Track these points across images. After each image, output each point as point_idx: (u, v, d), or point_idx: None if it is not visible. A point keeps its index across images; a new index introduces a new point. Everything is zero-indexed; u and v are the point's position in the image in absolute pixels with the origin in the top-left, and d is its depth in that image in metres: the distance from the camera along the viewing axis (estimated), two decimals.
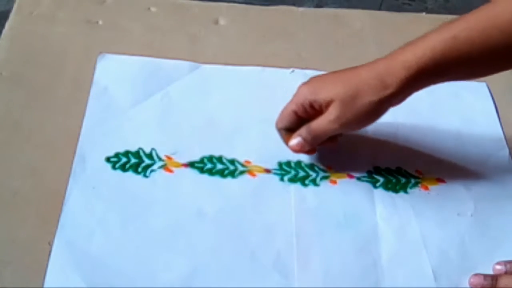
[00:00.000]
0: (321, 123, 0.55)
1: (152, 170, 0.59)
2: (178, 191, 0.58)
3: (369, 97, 0.52)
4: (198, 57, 0.69)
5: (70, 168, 0.58)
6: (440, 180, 0.61)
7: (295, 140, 0.57)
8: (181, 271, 0.52)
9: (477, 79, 0.70)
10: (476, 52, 0.50)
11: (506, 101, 0.69)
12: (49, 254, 0.52)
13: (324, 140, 0.58)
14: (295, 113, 0.56)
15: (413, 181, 0.61)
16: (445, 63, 0.51)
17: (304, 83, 0.57)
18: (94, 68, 0.66)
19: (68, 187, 0.56)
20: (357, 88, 0.53)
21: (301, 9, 0.77)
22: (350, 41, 0.73)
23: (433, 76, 0.52)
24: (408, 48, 0.52)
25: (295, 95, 0.57)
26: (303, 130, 0.56)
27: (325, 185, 0.60)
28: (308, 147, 0.57)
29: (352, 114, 0.53)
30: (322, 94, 0.54)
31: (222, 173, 0.59)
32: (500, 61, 0.53)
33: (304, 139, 0.56)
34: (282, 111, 0.58)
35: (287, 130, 0.58)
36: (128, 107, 0.63)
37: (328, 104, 0.54)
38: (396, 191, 0.60)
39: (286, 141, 0.58)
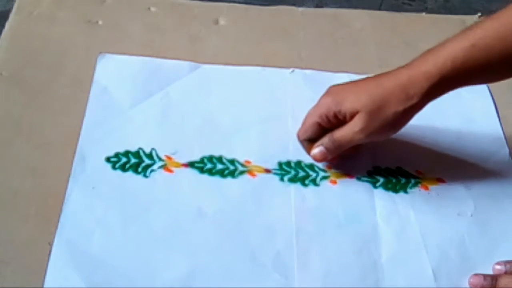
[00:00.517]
0: (346, 133, 0.55)
1: (152, 170, 0.59)
2: (178, 191, 0.58)
3: (394, 108, 0.53)
4: (198, 57, 0.69)
5: (70, 168, 0.58)
6: (440, 180, 0.61)
7: (317, 149, 0.57)
8: (181, 271, 0.52)
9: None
10: (495, 59, 0.51)
11: (506, 101, 0.69)
12: (49, 254, 0.52)
13: (349, 149, 0.58)
14: (319, 124, 0.57)
15: (413, 181, 0.61)
16: (465, 71, 0.52)
17: (326, 94, 0.57)
18: (94, 68, 0.66)
19: (68, 187, 0.56)
20: (382, 99, 0.54)
21: (301, 9, 0.77)
22: (350, 41, 0.73)
23: (454, 83, 0.53)
24: (429, 57, 0.53)
25: (317, 106, 0.57)
26: (325, 139, 0.57)
27: (325, 185, 0.60)
28: (330, 156, 0.58)
29: (378, 125, 0.54)
30: (347, 105, 0.55)
31: (222, 173, 0.59)
32: None
33: (327, 148, 0.57)
34: (304, 122, 0.58)
35: (309, 141, 0.58)
36: (128, 107, 0.63)
37: (353, 114, 0.54)
38: (396, 191, 0.60)
39: (309, 151, 0.59)
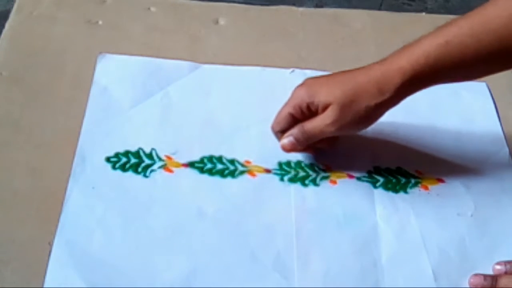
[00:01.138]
0: (317, 125, 0.55)
1: (152, 170, 0.59)
2: (178, 191, 0.58)
3: (366, 102, 0.53)
4: (198, 57, 0.69)
5: (70, 168, 0.58)
6: (440, 180, 0.61)
7: (286, 139, 0.57)
8: (181, 271, 0.52)
9: (477, 79, 0.70)
10: (469, 56, 0.51)
11: (506, 101, 0.69)
12: (49, 254, 0.52)
13: (323, 143, 0.58)
14: (292, 115, 0.57)
15: (413, 181, 0.61)
16: (439, 68, 0.52)
17: (300, 86, 0.57)
18: (94, 68, 0.66)
19: (68, 187, 0.56)
20: (355, 93, 0.53)
21: (301, 9, 0.77)
22: (350, 41, 0.73)
23: (428, 80, 0.53)
24: (403, 53, 0.53)
25: (291, 98, 0.57)
26: (295, 130, 0.56)
27: (325, 185, 0.60)
28: (300, 147, 0.57)
29: (349, 118, 0.54)
30: (320, 97, 0.55)
31: (222, 173, 0.59)
32: (493, 64, 0.53)
33: (296, 139, 0.56)
34: (278, 114, 0.58)
35: (283, 132, 0.58)
36: (128, 107, 0.63)
37: (325, 106, 0.54)
38: (396, 191, 0.60)
39: None
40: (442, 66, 0.52)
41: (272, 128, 0.59)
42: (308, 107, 0.55)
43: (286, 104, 0.57)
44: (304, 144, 0.57)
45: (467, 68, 0.53)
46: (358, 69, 0.55)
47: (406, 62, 0.52)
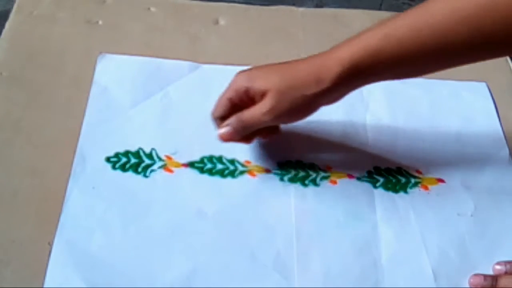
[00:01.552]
0: (253, 113, 0.54)
1: (152, 170, 0.59)
2: (178, 191, 0.58)
3: (303, 91, 0.52)
4: (198, 57, 0.69)
5: (70, 168, 0.58)
6: (440, 180, 0.61)
7: (224, 129, 0.55)
8: (181, 271, 0.52)
9: (476, 79, 0.70)
10: (406, 51, 0.49)
11: (506, 101, 0.69)
12: (49, 254, 0.52)
13: (262, 133, 0.57)
14: (230, 100, 0.55)
15: (413, 181, 0.61)
16: (378, 61, 0.50)
17: (242, 71, 0.56)
18: (94, 68, 0.66)
19: (68, 187, 0.56)
20: (293, 82, 0.52)
21: (301, 9, 0.77)
22: None
23: (367, 74, 0.51)
24: (345, 44, 0.51)
25: (231, 83, 0.56)
26: (233, 119, 0.55)
27: (325, 185, 0.60)
28: (237, 137, 0.56)
29: (285, 107, 0.52)
30: (257, 83, 0.53)
31: (222, 173, 0.59)
32: (431, 62, 0.51)
33: (234, 128, 0.55)
34: (218, 100, 0.57)
35: (222, 119, 0.56)
36: (128, 107, 0.63)
37: (263, 93, 0.53)
38: (396, 191, 0.60)
39: None
40: (381, 59, 0.50)
41: (212, 114, 0.57)
42: (246, 92, 0.54)
43: (226, 89, 0.56)
44: (242, 134, 0.56)
45: (405, 64, 0.50)
46: (301, 59, 0.54)
47: (346, 53, 0.50)
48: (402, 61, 0.50)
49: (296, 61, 0.54)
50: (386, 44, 0.49)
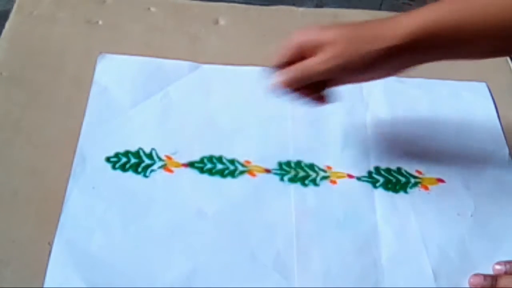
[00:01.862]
0: (316, 61, 0.53)
1: (152, 170, 0.59)
2: (178, 191, 0.58)
3: (369, 46, 0.52)
4: (198, 57, 0.69)
5: (70, 168, 0.58)
6: (440, 180, 0.61)
7: (284, 75, 0.55)
8: (181, 271, 0.52)
9: (476, 79, 0.70)
10: (472, 26, 0.51)
11: (506, 101, 0.69)
12: (49, 254, 0.52)
13: (312, 93, 0.56)
14: (299, 46, 0.54)
15: (413, 181, 0.61)
16: (447, 28, 0.51)
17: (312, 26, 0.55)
18: (94, 68, 0.66)
19: (68, 187, 0.56)
20: (360, 35, 0.53)
21: (301, 9, 0.77)
22: None
23: (432, 44, 0.52)
24: (412, 14, 0.52)
25: (298, 32, 0.55)
26: (294, 66, 0.54)
27: (325, 185, 0.60)
28: (294, 85, 0.55)
29: (349, 58, 0.52)
30: (327, 33, 0.53)
31: (222, 173, 0.59)
32: (497, 40, 0.52)
33: (294, 74, 0.54)
34: (284, 47, 0.55)
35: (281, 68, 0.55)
36: (128, 107, 0.63)
37: (330, 43, 0.53)
38: (396, 191, 0.60)
39: None
40: (449, 27, 0.51)
41: (276, 60, 0.56)
42: (315, 41, 0.53)
43: (293, 37, 0.55)
44: (299, 82, 0.55)
45: (470, 40, 0.52)
46: (367, 21, 0.54)
47: (413, 20, 0.52)
48: (467, 37, 0.51)
49: (363, 22, 0.54)
50: (452, 16, 0.51)
